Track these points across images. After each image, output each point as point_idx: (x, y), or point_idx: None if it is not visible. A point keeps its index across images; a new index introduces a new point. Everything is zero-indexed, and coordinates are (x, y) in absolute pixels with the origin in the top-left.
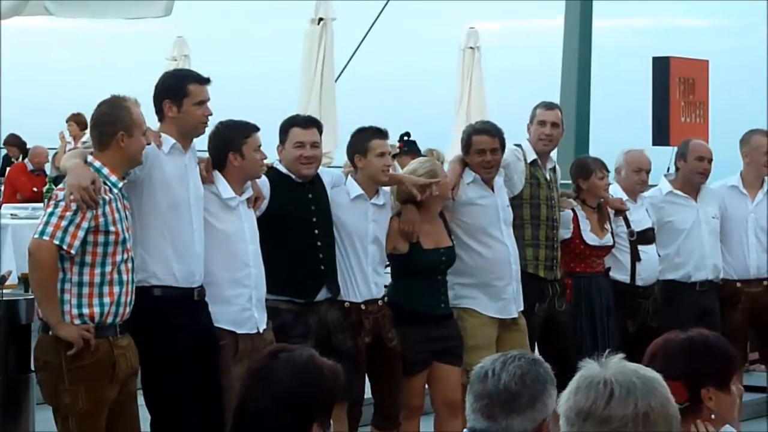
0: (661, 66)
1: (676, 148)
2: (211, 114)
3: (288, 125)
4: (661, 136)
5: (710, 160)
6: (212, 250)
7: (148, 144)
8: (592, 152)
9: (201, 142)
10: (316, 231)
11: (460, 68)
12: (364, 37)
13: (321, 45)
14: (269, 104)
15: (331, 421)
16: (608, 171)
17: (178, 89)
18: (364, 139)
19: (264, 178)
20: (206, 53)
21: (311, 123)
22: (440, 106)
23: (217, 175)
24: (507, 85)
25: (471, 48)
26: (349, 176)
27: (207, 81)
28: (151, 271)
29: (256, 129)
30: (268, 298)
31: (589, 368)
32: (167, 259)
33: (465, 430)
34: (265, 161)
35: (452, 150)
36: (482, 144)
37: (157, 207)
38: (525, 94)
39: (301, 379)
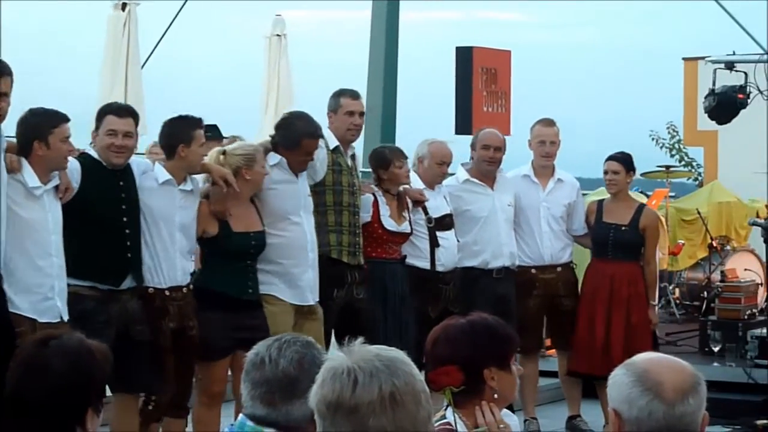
0: (464, 56)
1: None
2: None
3: (103, 112)
4: (463, 125)
5: (498, 149)
6: (15, 238)
7: None
8: (399, 142)
9: None
10: (125, 219)
11: (267, 56)
12: (171, 22)
13: (125, 31)
14: (72, 91)
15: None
16: (406, 158)
17: None
18: (189, 129)
19: (76, 163)
20: (8, 40)
21: (126, 112)
22: (248, 93)
23: (24, 163)
24: (315, 75)
25: (277, 35)
26: (157, 163)
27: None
28: None
29: (66, 119)
30: (70, 283)
31: (334, 359)
32: None
33: (241, 416)
34: (72, 152)
35: (260, 138)
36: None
37: None
38: (333, 84)
39: (75, 365)
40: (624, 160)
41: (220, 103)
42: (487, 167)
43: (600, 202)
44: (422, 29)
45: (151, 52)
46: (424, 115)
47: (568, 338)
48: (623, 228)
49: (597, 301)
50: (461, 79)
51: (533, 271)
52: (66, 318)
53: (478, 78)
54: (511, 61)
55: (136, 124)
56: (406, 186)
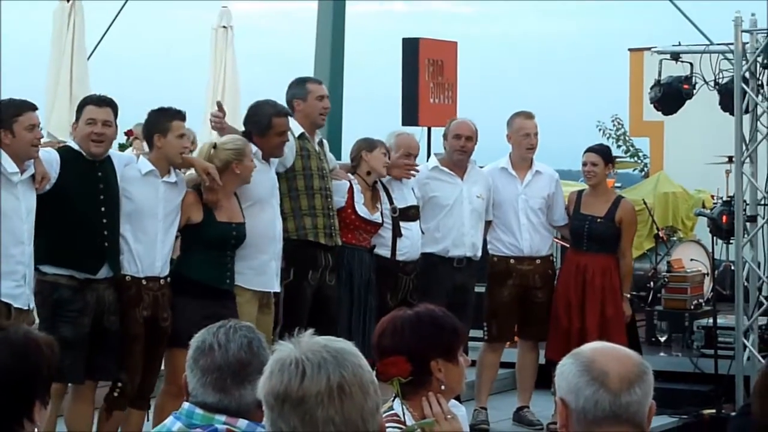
0: (411, 47)
1: (425, 128)
2: None
3: (83, 103)
4: (410, 117)
5: (469, 138)
6: None
7: None
8: (345, 133)
9: None
10: (103, 209)
11: (213, 48)
12: (117, 14)
13: (71, 23)
14: (21, 83)
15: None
16: (389, 154)
17: None
18: (165, 119)
19: (55, 154)
20: None
21: (105, 102)
22: (194, 85)
23: (0, 150)
24: (262, 66)
25: (224, 27)
26: (141, 156)
27: None
28: None
29: (31, 108)
30: (49, 271)
31: (281, 350)
32: None
33: (187, 405)
34: (41, 141)
35: (206, 130)
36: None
37: None
38: (280, 76)
39: (20, 357)
40: (602, 152)
41: (167, 96)
42: (457, 156)
43: (579, 193)
44: (369, 20)
45: (97, 44)
46: (371, 106)
47: (536, 330)
48: (599, 220)
49: (570, 291)
50: (408, 70)
51: (512, 261)
52: (32, 306)
53: (425, 69)
54: (458, 52)
55: (116, 115)
56: (383, 174)
